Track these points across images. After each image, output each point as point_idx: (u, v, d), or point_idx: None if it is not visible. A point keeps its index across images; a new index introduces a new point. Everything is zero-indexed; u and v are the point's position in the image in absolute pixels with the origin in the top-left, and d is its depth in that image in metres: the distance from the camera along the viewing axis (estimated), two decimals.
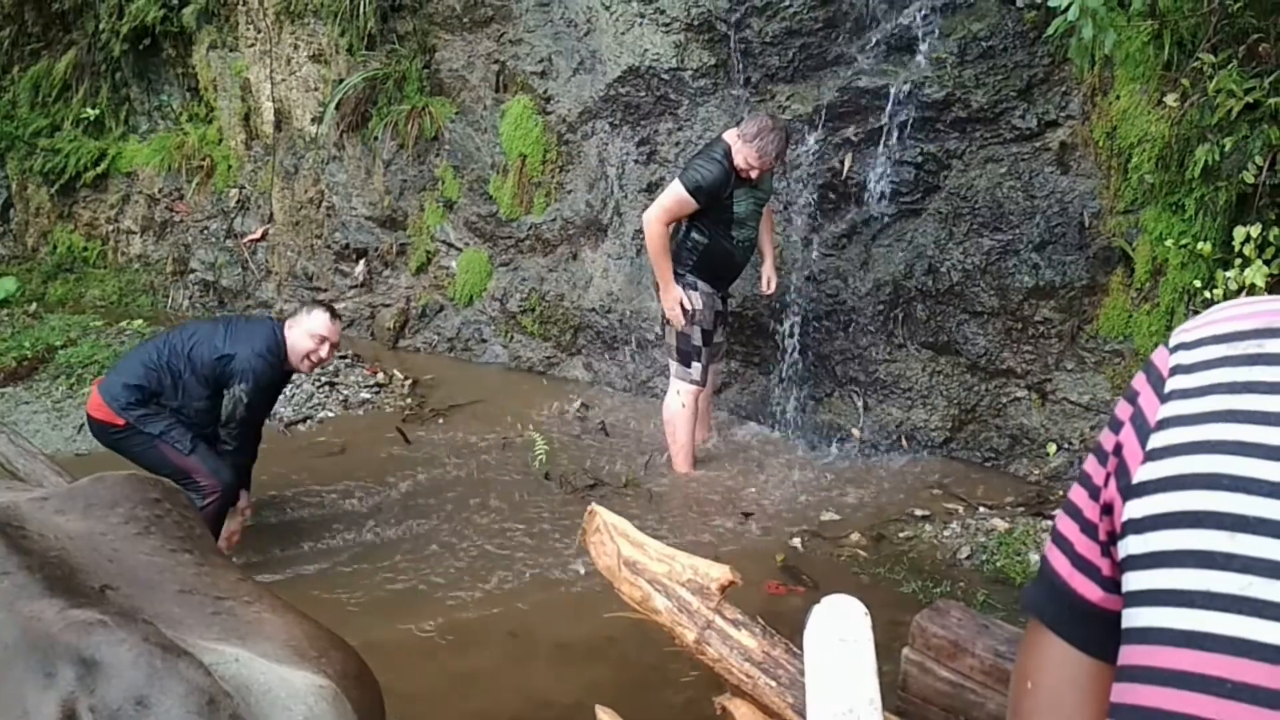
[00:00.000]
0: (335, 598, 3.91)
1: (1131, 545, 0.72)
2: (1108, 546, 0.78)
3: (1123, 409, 0.79)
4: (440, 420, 5.67)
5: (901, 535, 4.32)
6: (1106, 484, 0.77)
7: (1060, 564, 0.82)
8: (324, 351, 4.18)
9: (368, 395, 6.01)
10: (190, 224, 7.59)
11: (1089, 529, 0.80)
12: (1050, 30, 3.97)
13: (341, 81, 6.54)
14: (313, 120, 6.83)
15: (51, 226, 8.12)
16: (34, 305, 7.35)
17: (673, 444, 4.86)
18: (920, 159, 4.80)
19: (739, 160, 4.42)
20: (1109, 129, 4.35)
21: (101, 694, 1.30)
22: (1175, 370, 0.75)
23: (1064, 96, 4.51)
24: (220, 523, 4.08)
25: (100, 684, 1.31)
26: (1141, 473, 0.73)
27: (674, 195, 4.51)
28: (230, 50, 7.18)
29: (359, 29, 6.37)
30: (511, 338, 6.37)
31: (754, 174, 4.46)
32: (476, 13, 6.04)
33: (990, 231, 4.73)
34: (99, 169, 7.76)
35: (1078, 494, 0.82)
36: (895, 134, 4.80)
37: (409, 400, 5.97)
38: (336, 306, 6.93)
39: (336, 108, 6.56)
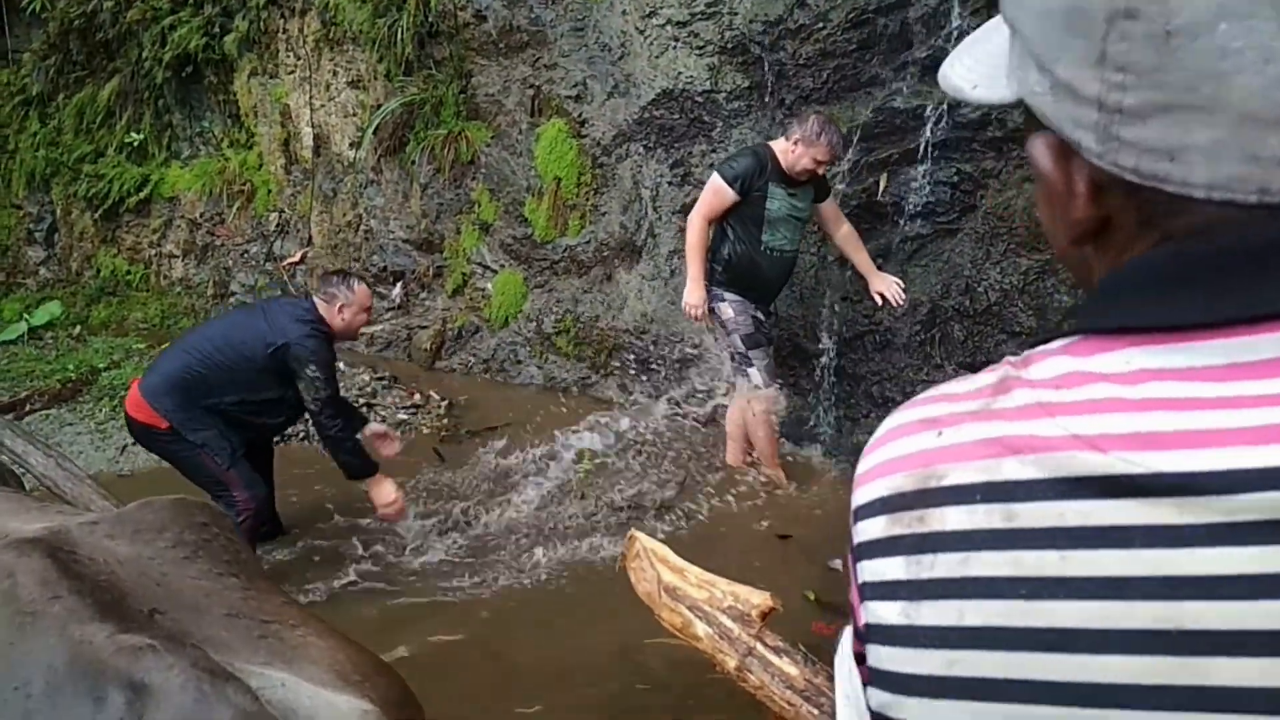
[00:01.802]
0: (374, 617, 3.92)
1: None
2: None
3: (848, 586, 0.69)
4: (476, 440, 5.70)
5: None
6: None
7: None
8: (365, 319, 4.36)
9: (405, 416, 6.05)
10: (231, 247, 7.71)
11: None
12: None
13: (379, 107, 6.62)
14: (351, 145, 6.92)
15: (95, 251, 8.27)
16: (78, 328, 7.49)
17: (757, 448, 4.94)
18: (956, 178, 4.78)
19: (803, 162, 4.44)
20: None
21: (151, 718, 1.31)
22: (859, 553, 0.65)
23: None
24: (254, 540, 4.11)
25: (149, 709, 1.32)
26: (871, 697, 0.65)
27: (711, 188, 4.58)
28: (270, 77, 7.30)
29: (396, 55, 6.46)
30: (546, 359, 6.39)
31: (820, 170, 4.49)
32: (512, 38, 6.10)
33: (1028, 251, 4.69)
34: (142, 194, 7.90)
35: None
36: (931, 154, 4.78)
37: (445, 421, 6.00)
38: (374, 329, 7.03)
39: (374, 133, 6.65)
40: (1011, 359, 0.64)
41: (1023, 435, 0.58)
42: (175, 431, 3.99)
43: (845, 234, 4.78)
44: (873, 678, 0.64)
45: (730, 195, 4.52)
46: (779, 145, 4.55)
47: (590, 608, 4.01)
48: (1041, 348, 0.62)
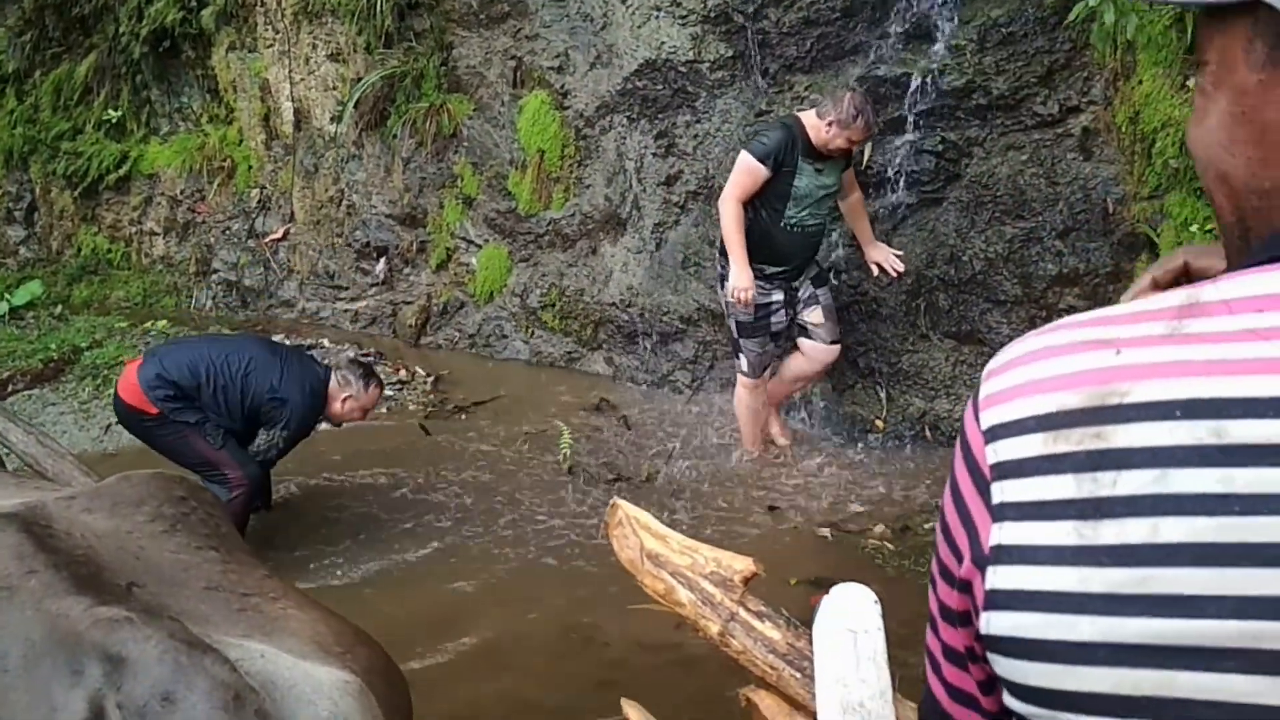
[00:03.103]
0: (359, 590, 3.93)
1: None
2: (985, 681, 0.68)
3: (951, 513, 0.66)
4: (463, 416, 5.69)
5: (926, 527, 4.29)
6: (963, 620, 0.66)
7: (939, 692, 0.73)
8: (358, 418, 4.43)
9: (390, 392, 6.02)
10: (212, 224, 7.64)
11: (956, 657, 0.70)
12: (1072, 16, 3.93)
13: (360, 80, 6.56)
14: (332, 119, 6.86)
15: (75, 229, 8.19)
16: (59, 308, 7.42)
17: (740, 428, 4.99)
18: (941, 147, 4.77)
19: (837, 142, 4.31)
20: (1132, 114, 4.30)
21: (128, 690, 1.31)
22: (999, 472, 0.61)
23: (1085, 82, 4.46)
24: (247, 516, 4.12)
25: (127, 680, 1.31)
26: (990, 624, 0.62)
27: (742, 167, 4.42)
28: (249, 51, 7.22)
29: (376, 27, 6.39)
30: (532, 333, 6.37)
31: (854, 146, 4.45)
32: (493, 9, 6.04)
33: (1013, 219, 4.69)
34: (121, 171, 7.81)
35: (944, 630, 0.70)
36: (915, 122, 4.76)
37: (431, 397, 5.99)
38: (358, 306, 7.00)
39: (355, 106, 6.59)
40: (1184, 288, 0.61)
41: (1233, 359, 0.55)
42: (163, 416, 4.03)
43: (854, 201, 4.71)
44: (1000, 600, 0.61)
45: (763, 173, 4.36)
46: (809, 120, 4.39)
47: (575, 576, 4.02)
48: (1229, 272, 0.59)
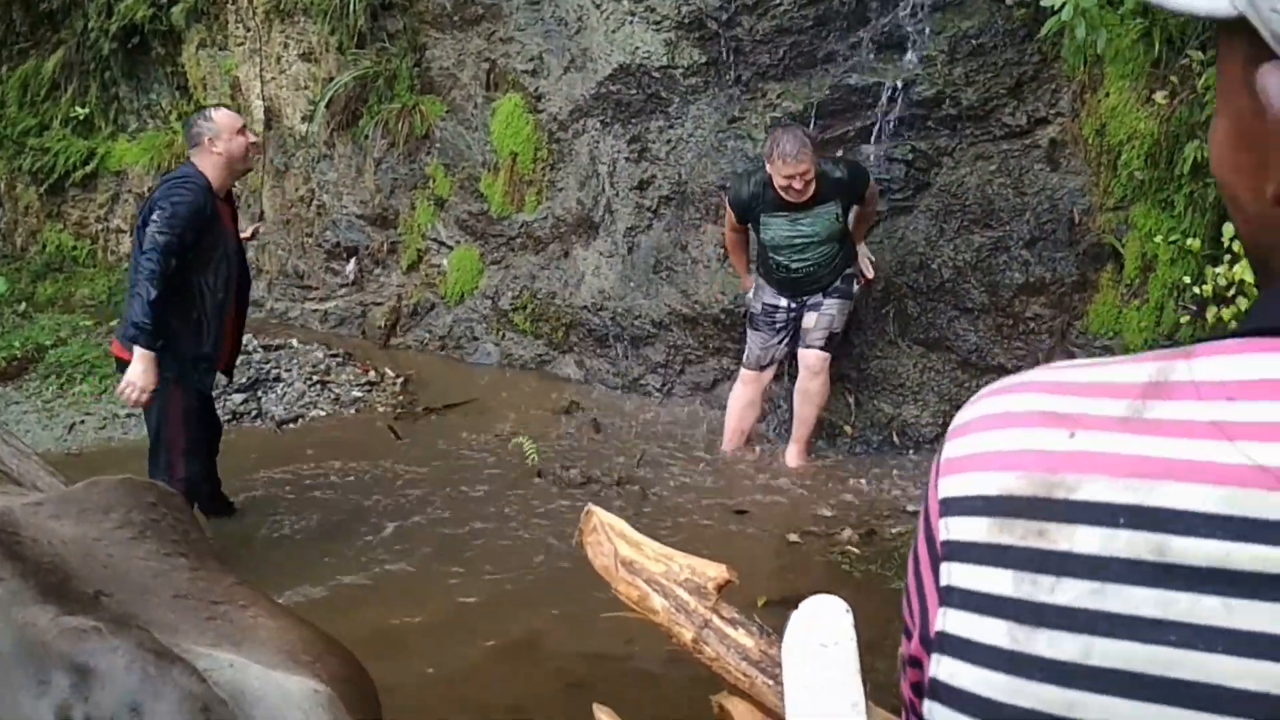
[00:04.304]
0: (328, 597, 3.90)
1: None
2: None
3: (911, 577, 0.63)
4: (432, 418, 5.67)
5: (893, 531, 4.33)
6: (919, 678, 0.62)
7: None
8: (251, 136, 4.08)
9: (359, 394, 6.00)
10: None
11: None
12: (1044, 30, 3.98)
13: (332, 80, 6.52)
14: (303, 119, 6.81)
15: (41, 226, 8.08)
16: (23, 305, 7.32)
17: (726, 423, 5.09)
18: (911, 156, 4.81)
19: (778, 184, 4.33)
20: (1098, 126, 4.36)
21: (96, 701, 1.30)
22: (948, 550, 0.58)
23: (1054, 94, 4.52)
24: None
25: (94, 691, 1.30)
26: (931, 713, 0.58)
27: (726, 205, 4.78)
28: (219, 49, 7.16)
29: (349, 27, 6.35)
30: (503, 336, 6.36)
31: (795, 189, 4.28)
32: (467, 11, 6.02)
33: (981, 228, 4.74)
34: (88, 168, 7.72)
35: (910, 677, 0.65)
36: (886, 131, 4.80)
37: (401, 399, 5.96)
38: (327, 306, 6.95)
39: (327, 106, 6.55)
40: (1168, 350, 0.55)
41: (1188, 460, 0.50)
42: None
43: (863, 212, 4.66)
44: (941, 693, 0.57)
45: (734, 219, 4.71)
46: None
47: (548, 582, 4.01)
48: (1209, 342, 0.53)
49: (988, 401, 0.60)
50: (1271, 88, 0.51)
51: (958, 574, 0.57)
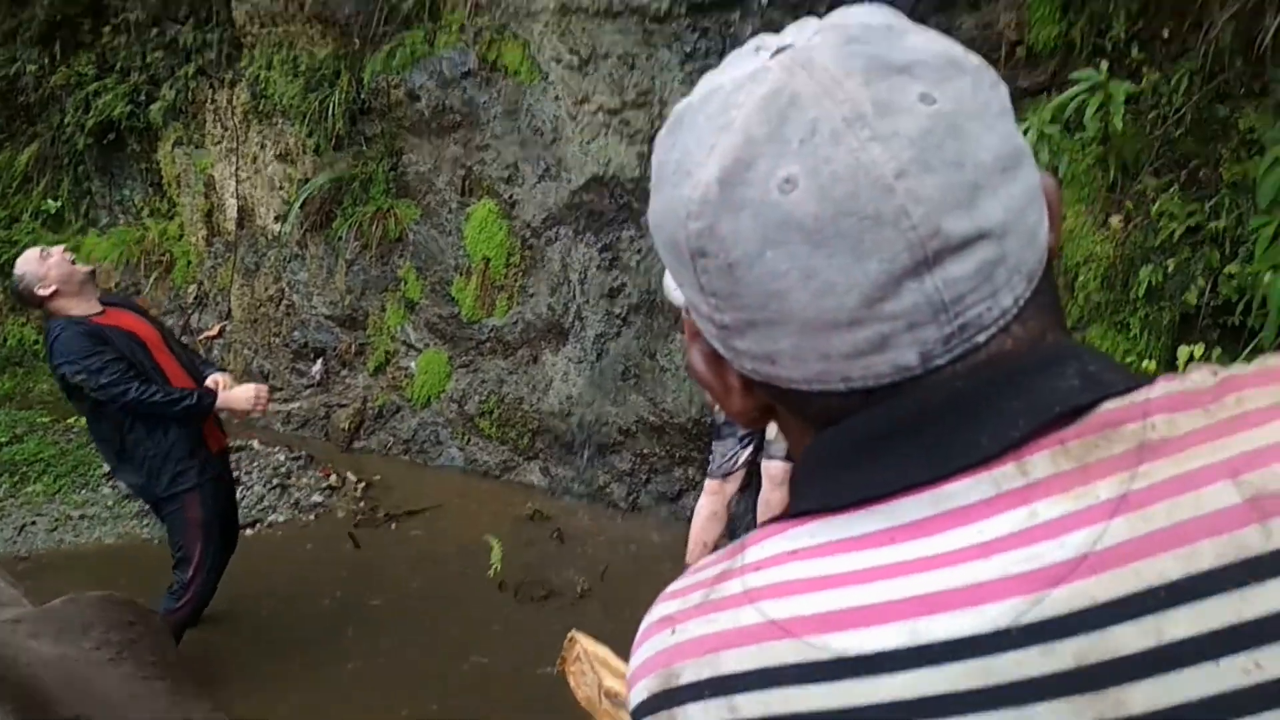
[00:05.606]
0: (294, 712, 3.76)
1: None
2: None
3: None
4: (393, 526, 5.56)
5: None
6: None
7: None
8: (52, 259, 3.88)
9: (319, 499, 5.90)
10: None
11: None
12: None
13: (307, 181, 6.58)
14: (276, 218, 6.85)
15: (3, 319, 8.00)
16: None
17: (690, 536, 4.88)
18: None
19: None
20: (1055, 248, 4.47)
21: None
22: None
23: None
24: (182, 632, 3.96)
25: None
26: None
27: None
28: (196, 147, 7.23)
29: (327, 130, 6.44)
30: (468, 440, 6.31)
31: None
32: (444, 118, 6.14)
33: None
34: None
35: None
36: None
37: (362, 504, 5.86)
38: (291, 407, 6.88)
39: (301, 206, 6.59)
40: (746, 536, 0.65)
41: (732, 628, 0.59)
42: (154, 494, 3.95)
43: None
44: None
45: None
46: None
47: (524, 711, 3.89)
48: (759, 529, 0.63)
49: (651, 612, 0.69)
50: (692, 358, 0.67)
51: None
